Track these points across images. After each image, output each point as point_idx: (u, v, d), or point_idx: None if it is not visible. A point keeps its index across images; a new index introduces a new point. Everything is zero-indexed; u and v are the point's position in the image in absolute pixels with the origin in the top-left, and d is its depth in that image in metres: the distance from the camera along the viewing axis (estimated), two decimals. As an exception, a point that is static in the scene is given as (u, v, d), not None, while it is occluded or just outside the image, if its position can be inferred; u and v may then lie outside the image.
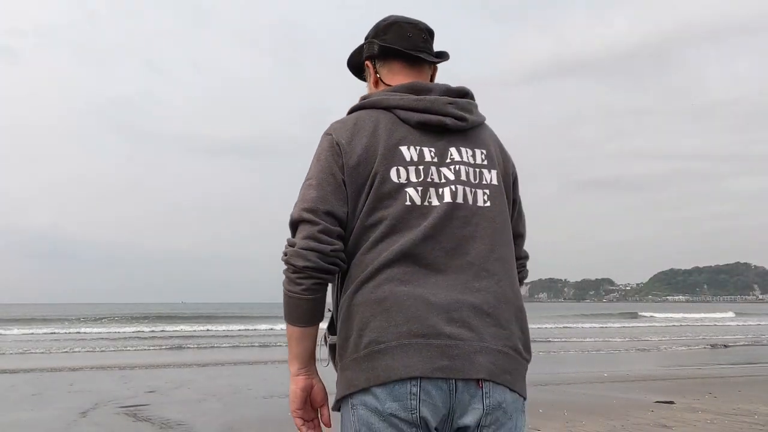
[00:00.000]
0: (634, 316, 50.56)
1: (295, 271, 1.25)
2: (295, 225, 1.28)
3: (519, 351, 1.27)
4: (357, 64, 1.52)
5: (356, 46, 1.50)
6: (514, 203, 1.45)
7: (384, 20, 1.46)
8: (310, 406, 1.40)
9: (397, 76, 1.44)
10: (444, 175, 1.31)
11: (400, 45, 1.42)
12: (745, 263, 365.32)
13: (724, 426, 5.45)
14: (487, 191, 1.34)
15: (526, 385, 1.28)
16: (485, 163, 1.36)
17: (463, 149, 1.35)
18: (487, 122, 1.47)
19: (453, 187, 1.30)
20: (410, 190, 1.28)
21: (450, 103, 1.36)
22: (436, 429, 1.19)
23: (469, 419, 1.18)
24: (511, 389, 1.22)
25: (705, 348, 17.18)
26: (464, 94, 1.42)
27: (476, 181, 1.33)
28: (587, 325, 31.58)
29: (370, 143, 1.30)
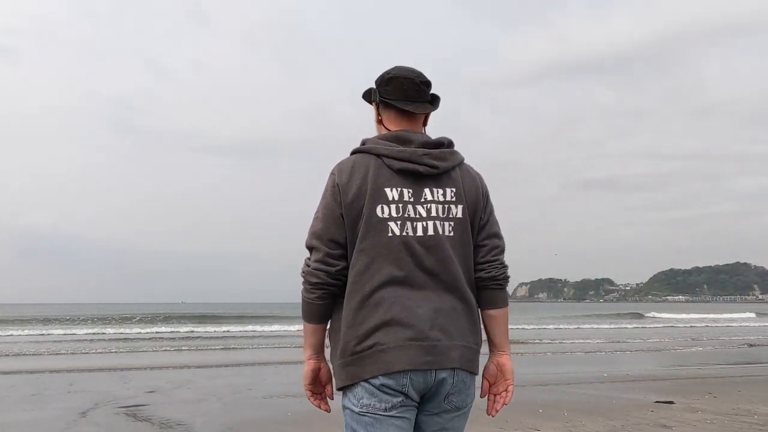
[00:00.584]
0: (638, 316, 49.69)
1: (309, 285, 1.69)
2: (309, 249, 1.72)
3: (478, 343, 1.74)
4: (368, 101, 1.89)
5: (368, 88, 1.87)
6: (481, 223, 1.78)
7: (387, 73, 1.81)
8: (319, 382, 1.81)
9: (392, 123, 1.81)
10: (418, 211, 1.69)
11: (396, 97, 1.78)
12: (745, 263, 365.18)
13: (724, 426, 5.45)
14: (452, 223, 1.71)
15: (478, 365, 1.75)
16: (453, 199, 1.72)
17: (435, 189, 1.72)
18: (465, 162, 1.82)
19: (425, 223, 1.68)
20: (392, 224, 1.67)
21: (425, 154, 1.71)
22: (417, 401, 1.65)
23: (441, 392, 1.65)
24: (471, 372, 1.70)
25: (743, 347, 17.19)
26: (440, 144, 1.77)
27: (444, 215, 1.71)
28: (604, 327, 31.51)
29: (362, 184, 1.68)
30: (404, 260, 1.65)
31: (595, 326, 31.20)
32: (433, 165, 1.70)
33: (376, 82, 1.83)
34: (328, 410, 1.82)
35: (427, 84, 1.80)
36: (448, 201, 1.72)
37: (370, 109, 1.88)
